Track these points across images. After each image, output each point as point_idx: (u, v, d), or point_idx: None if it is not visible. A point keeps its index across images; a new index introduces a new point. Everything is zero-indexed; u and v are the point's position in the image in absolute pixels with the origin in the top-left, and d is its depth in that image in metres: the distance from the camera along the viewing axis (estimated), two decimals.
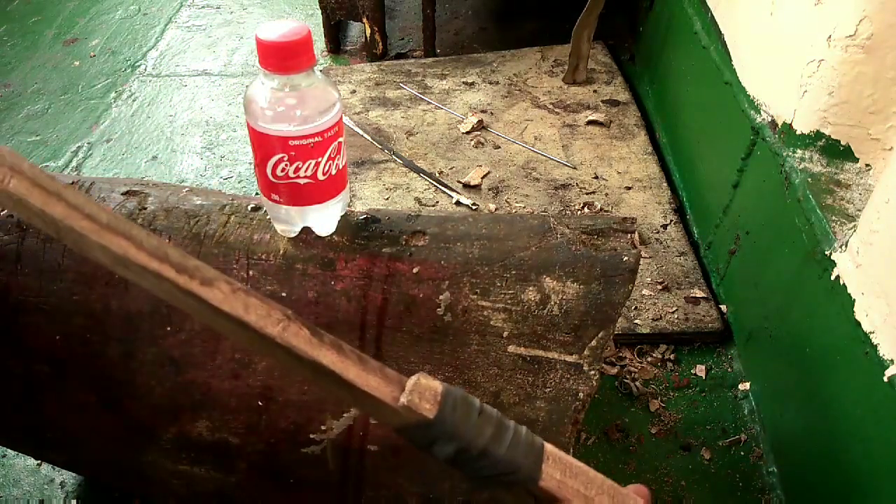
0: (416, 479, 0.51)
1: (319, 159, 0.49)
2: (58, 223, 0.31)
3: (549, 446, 0.35)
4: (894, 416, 0.51)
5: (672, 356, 0.80)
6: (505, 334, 0.50)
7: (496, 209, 0.96)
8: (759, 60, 0.79)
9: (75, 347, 0.52)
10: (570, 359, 0.50)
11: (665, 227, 0.94)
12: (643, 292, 0.84)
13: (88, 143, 1.15)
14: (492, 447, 0.33)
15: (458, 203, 0.96)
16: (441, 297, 0.50)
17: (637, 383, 0.77)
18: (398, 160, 1.04)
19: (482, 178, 1.01)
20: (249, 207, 0.55)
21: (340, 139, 0.50)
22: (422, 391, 0.33)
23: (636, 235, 0.54)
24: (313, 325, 0.33)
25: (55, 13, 1.50)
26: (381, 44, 1.30)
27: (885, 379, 0.52)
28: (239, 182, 1.07)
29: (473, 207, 0.96)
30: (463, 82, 1.21)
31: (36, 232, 0.52)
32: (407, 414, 0.33)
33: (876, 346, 0.53)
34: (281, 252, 0.52)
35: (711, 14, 0.93)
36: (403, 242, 0.52)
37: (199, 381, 0.51)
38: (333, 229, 0.54)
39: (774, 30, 0.75)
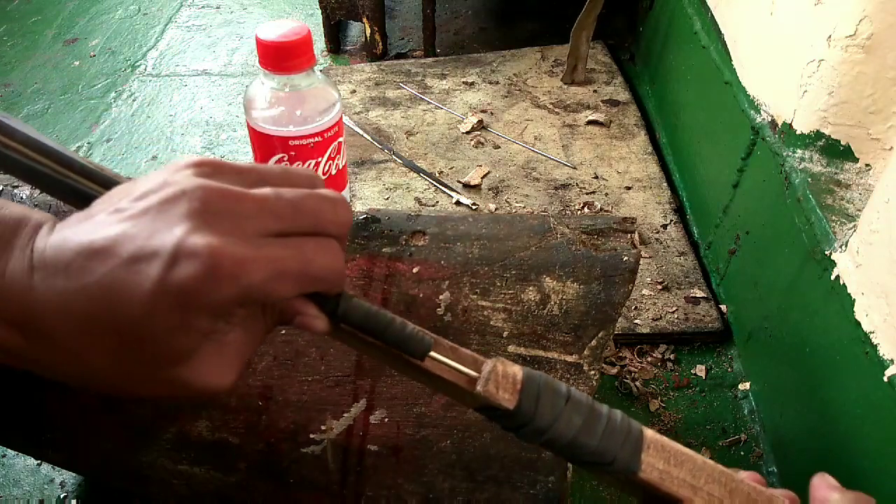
0: (416, 479, 0.51)
1: (319, 159, 0.49)
2: None
3: (649, 432, 0.32)
4: (894, 416, 0.51)
5: (672, 356, 0.80)
6: (505, 334, 0.50)
7: (496, 209, 0.96)
8: (759, 60, 0.79)
9: None
10: (569, 359, 0.50)
11: (665, 227, 0.94)
12: (643, 292, 0.84)
13: (88, 143, 1.15)
14: (581, 438, 0.31)
15: (458, 203, 0.96)
16: (441, 296, 0.50)
17: (637, 383, 0.77)
18: (398, 160, 1.04)
19: (482, 178, 1.01)
20: None
21: (340, 139, 0.51)
22: (499, 379, 0.31)
23: (636, 235, 0.54)
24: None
25: (55, 13, 1.50)
26: (381, 44, 1.30)
27: (885, 379, 0.52)
28: None
29: (473, 207, 0.96)
30: (463, 82, 1.21)
31: None
32: (484, 402, 0.31)
33: (876, 346, 0.53)
34: None
35: (711, 14, 0.94)
36: (403, 242, 0.52)
37: None
38: None
39: (774, 30, 0.75)
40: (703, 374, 0.79)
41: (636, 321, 0.81)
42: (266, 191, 0.28)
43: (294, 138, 0.48)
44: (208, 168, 0.28)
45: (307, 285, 0.29)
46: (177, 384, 0.28)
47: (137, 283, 0.25)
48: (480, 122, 1.10)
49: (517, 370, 0.32)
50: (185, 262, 0.25)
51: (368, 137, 1.08)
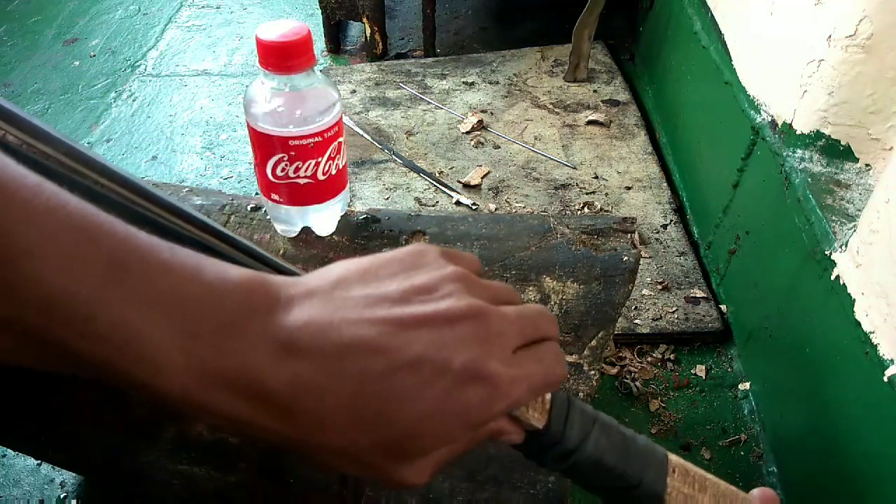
0: None
1: (319, 159, 0.49)
2: None
3: (672, 457, 0.32)
4: (894, 416, 0.51)
5: (672, 356, 0.80)
6: None
7: (496, 209, 0.96)
8: (759, 60, 0.79)
9: None
10: (570, 359, 0.50)
11: (665, 227, 0.94)
12: (643, 292, 0.84)
13: (88, 143, 1.15)
14: (607, 458, 0.31)
15: (458, 203, 0.96)
16: None
17: (637, 383, 0.77)
18: (398, 160, 1.04)
19: (482, 178, 1.01)
20: (249, 207, 0.55)
21: (340, 139, 0.51)
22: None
23: (636, 235, 0.54)
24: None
25: (55, 13, 1.50)
26: (381, 44, 1.30)
27: (885, 379, 0.52)
28: (239, 182, 1.07)
29: (473, 207, 0.96)
30: (463, 82, 1.21)
31: None
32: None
33: (876, 346, 0.53)
34: (281, 252, 0.52)
35: (711, 14, 0.94)
36: (403, 242, 0.52)
37: None
38: (333, 229, 0.54)
39: (774, 29, 0.75)
40: (703, 374, 0.79)
41: (636, 321, 0.81)
42: (512, 310, 0.30)
43: (294, 138, 0.48)
44: (469, 283, 0.30)
45: (542, 392, 0.31)
46: (389, 475, 0.29)
47: (422, 394, 0.26)
48: (480, 122, 1.10)
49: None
50: (473, 383, 0.27)
51: (368, 137, 1.08)
